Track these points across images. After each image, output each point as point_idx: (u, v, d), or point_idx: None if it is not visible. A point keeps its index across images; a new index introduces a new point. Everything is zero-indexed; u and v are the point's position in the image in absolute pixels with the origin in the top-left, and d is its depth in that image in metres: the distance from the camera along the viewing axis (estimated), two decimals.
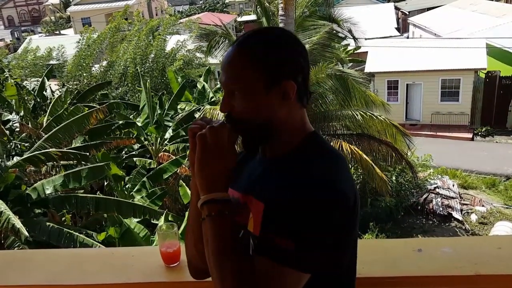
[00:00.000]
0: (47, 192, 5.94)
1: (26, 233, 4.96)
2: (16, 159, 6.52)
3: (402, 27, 29.07)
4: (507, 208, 11.26)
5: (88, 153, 7.12)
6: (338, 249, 0.96)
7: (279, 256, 0.91)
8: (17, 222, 5.02)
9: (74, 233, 5.66)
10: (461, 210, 11.06)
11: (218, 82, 14.74)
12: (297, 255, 0.90)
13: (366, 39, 14.98)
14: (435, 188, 11.69)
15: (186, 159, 8.85)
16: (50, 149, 6.51)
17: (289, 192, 0.94)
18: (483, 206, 11.25)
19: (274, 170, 1.04)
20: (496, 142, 15.57)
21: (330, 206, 0.93)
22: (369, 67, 16.67)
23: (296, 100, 1.02)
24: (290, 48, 1.03)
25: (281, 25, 8.46)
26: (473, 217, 10.78)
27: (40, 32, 41.11)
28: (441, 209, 10.95)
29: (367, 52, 17.73)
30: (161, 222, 6.42)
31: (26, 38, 28.91)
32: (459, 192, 11.94)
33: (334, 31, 9.46)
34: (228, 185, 1.01)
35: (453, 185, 12.08)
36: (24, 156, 6.53)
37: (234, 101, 1.02)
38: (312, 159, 1.01)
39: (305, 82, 1.04)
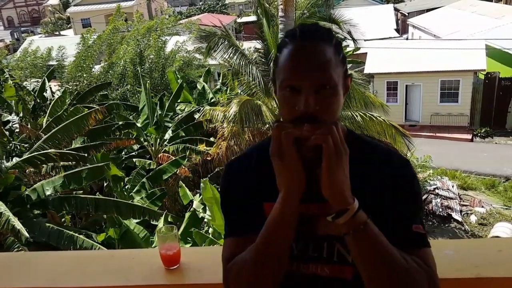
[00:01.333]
0: (47, 193, 5.93)
1: (26, 234, 4.95)
2: (15, 160, 6.51)
3: (402, 28, 29.08)
4: (506, 209, 11.26)
5: (87, 154, 7.12)
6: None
7: (425, 241, 1.01)
8: (17, 223, 5.01)
9: (74, 234, 5.65)
10: (461, 211, 11.06)
11: (218, 83, 14.74)
12: (426, 234, 1.02)
13: (365, 40, 14.98)
14: (434, 189, 11.69)
15: (186, 159, 8.85)
16: (49, 150, 6.50)
17: (394, 180, 1.00)
18: (482, 207, 11.25)
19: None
20: (496, 143, 15.58)
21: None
22: (368, 68, 16.68)
23: None
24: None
25: (281, 26, 8.47)
26: (473, 218, 10.79)
27: (39, 33, 41.08)
28: (440, 210, 10.95)
29: (366, 53, 17.73)
30: (160, 223, 6.42)
31: (25, 39, 28.92)
32: (458, 193, 11.94)
33: (334, 32, 9.46)
34: None
35: (453, 186, 12.08)
36: (24, 157, 6.53)
37: (326, 101, 0.93)
38: (376, 146, 1.06)
39: None
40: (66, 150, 6.93)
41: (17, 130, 8.87)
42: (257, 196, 1.04)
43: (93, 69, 14.55)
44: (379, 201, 0.98)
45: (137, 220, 6.84)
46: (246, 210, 1.06)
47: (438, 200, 11.30)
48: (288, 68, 0.95)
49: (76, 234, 5.68)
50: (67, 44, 16.16)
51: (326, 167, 0.87)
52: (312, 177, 0.91)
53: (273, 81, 1.04)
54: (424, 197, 11.42)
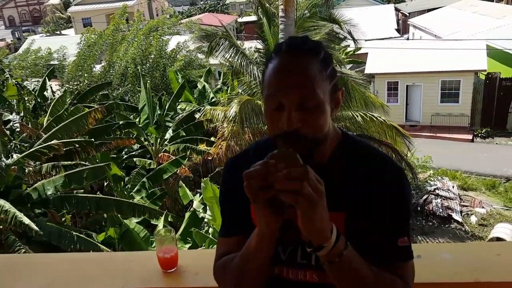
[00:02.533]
0: (48, 192, 5.93)
1: (36, 228, 4.97)
2: (16, 156, 6.52)
3: (402, 28, 29.05)
4: (507, 209, 11.25)
5: (87, 153, 7.12)
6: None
7: (408, 255, 1.02)
8: (24, 218, 5.03)
9: (74, 233, 5.66)
10: (461, 212, 11.04)
11: (219, 83, 14.74)
12: (410, 245, 1.03)
13: (366, 40, 14.96)
14: (435, 189, 11.68)
15: (186, 159, 8.85)
16: (52, 142, 6.50)
17: (384, 189, 0.99)
18: (483, 207, 11.24)
19: (333, 177, 0.97)
20: (496, 143, 15.56)
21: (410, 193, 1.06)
22: (369, 68, 16.67)
23: None
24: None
25: (281, 26, 8.46)
26: (473, 219, 10.77)
27: (40, 32, 41.10)
28: (440, 210, 10.94)
29: (367, 53, 17.72)
30: (160, 223, 6.42)
31: (26, 38, 28.94)
32: (459, 194, 11.93)
33: (334, 33, 9.46)
34: None
35: (453, 187, 12.07)
36: (25, 153, 6.53)
37: (310, 117, 0.92)
38: (371, 152, 1.05)
39: None
40: (69, 141, 6.93)
41: (18, 129, 8.87)
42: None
43: (94, 69, 14.55)
44: (368, 212, 0.98)
45: (137, 220, 6.84)
46: (240, 211, 1.07)
47: (439, 200, 11.28)
48: (271, 84, 0.94)
49: (77, 234, 5.69)
50: (68, 44, 16.19)
51: (301, 216, 0.84)
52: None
53: (262, 93, 1.05)
54: (424, 197, 11.42)
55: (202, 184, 6.42)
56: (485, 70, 15.94)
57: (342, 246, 0.90)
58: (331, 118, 0.99)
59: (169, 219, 7.26)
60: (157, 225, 6.84)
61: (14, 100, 10.38)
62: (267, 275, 1.02)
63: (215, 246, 1.17)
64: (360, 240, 0.97)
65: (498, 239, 9.04)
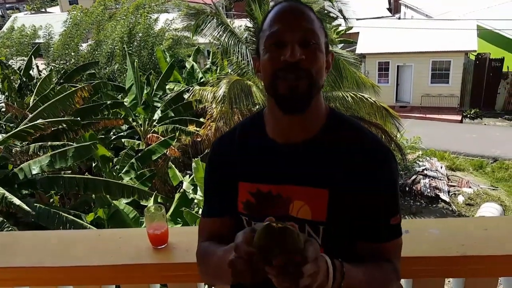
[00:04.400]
0: (34, 172, 5.87)
1: (28, 208, 4.94)
2: (1, 136, 6.42)
3: (394, 7, 28.87)
4: (493, 189, 11.46)
5: (74, 134, 7.04)
6: None
7: (398, 232, 1.03)
8: (15, 199, 4.99)
9: (63, 214, 5.63)
10: (449, 192, 11.22)
11: (208, 62, 14.57)
12: (400, 221, 1.04)
13: (357, 19, 14.85)
14: (423, 170, 11.83)
15: (175, 140, 8.80)
16: (38, 121, 6.41)
17: (376, 171, 0.98)
18: (470, 187, 11.43)
19: (319, 153, 0.98)
20: (485, 124, 15.74)
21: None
22: (360, 48, 16.59)
23: None
24: None
25: (271, 3, 8.33)
26: (460, 199, 10.96)
27: (25, 10, 40.02)
28: (428, 190, 11.10)
29: (358, 33, 17.62)
30: (150, 203, 6.42)
31: (11, 16, 28.18)
32: (447, 174, 12.10)
33: (325, 11, 9.36)
34: None
35: (441, 167, 12.23)
36: (11, 132, 6.43)
37: (311, 54, 0.92)
38: (360, 131, 1.03)
39: None
40: (55, 120, 6.83)
41: (3, 109, 8.72)
42: (234, 174, 1.04)
43: (80, 47, 14.27)
44: (355, 190, 0.97)
45: (127, 201, 6.82)
46: (225, 193, 1.06)
47: (427, 180, 11.44)
48: (274, 24, 0.94)
49: (66, 214, 5.66)
50: (53, 22, 15.79)
51: None
52: None
53: (254, 58, 1.02)
54: (412, 178, 11.56)
55: (193, 164, 6.41)
56: (475, 51, 15.98)
57: (339, 278, 0.83)
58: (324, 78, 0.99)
59: (158, 200, 7.25)
60: (146, 205, 6.84)
61: None
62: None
63: None
64: (346, 217, 0.97)
65: None
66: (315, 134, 0.99)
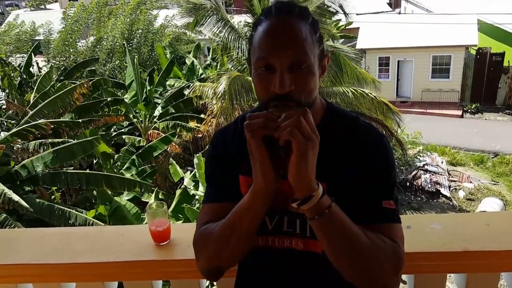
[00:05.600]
0: (38, 169, 5.88)
1: (26, 205, 4.94)
2: (3, 134, 6.42)
3: (394, 2, 28.75)
4: (494, 184, 11.46)
5: (75, 131, 7.04)
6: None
7: (394, 217, 1.01)
8: (14, 195, 4.99)
9: (66, 209, 5.65)
10: (449, 187, 11.23)
11: (208, 58, 14.54)
12: (397, 210, 1.02)
13: (358, 14, 14.80)
14: (424, 165, 11.82)
15: (176, 136, 8.81)
16: (40, 121, 6.42)
17: (368, 159, 0.99)
18: (471, 182, 11.43)
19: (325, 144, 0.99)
20: (485, 119, 15.72)
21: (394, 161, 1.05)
22: (360, 43, 16.55)
23: None
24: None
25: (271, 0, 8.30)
26: (461, 194, 10.97)
27: (24, 7, 39.92)
28: (429, 185, 11.11)
29: (358, 28, 17.56)
30: (151, 201, 6.42)
31: (10, 13, 28.12)
32: (447, 169, 12.10)
33: (325, 6, 9.32)
34: None
35: (442, 162, 12.23)
36: (13, 131, 6.44)
37: (301, 80, 0.91)
38: (356, 122, 1.04)
39: None
40: (57, 120, 6.85)
41: (4, 106, 8.72)
42: (235, 166, 1.06)
43: (79, 44, 14.24)
44: (354, 176, 0.99)
45: (128, 197, 6.83)
46: (225, 179, 1.08)
47: (427, 176, 11.44)
48: (262, 46, 0.92)
49: (69, 209, 5.68)
50: (52, 18, 15.75)
51: (294, 158, 0.85)
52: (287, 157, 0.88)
53: (248, 61, 1.02)
54: (413, 173, 11.56)
55: (195, 160, 6.41)
56: (475, 45, 15.92)
57: (329, 200, 0.91)
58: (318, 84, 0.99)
59: (159, 196, 7.26)
60: (147, 202, 6.85)
61: None
62: (250, 244, 1.01)
63: None
64: (343, 206, 0.96)
65: None
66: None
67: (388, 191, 1.02)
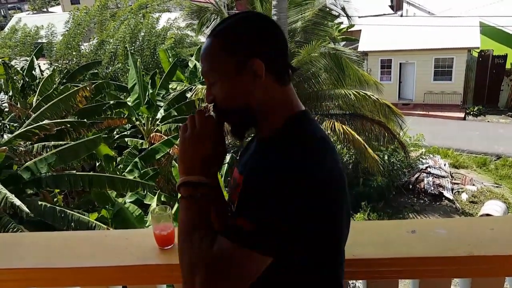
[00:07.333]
0: (42, 171, 5.89)
1: (27, 210, 4.94)
2: (7, 136, 6.44)
3: (396, 5, 28.76)
4: (497, 187, 11.43)
5: (78, 133, 7.06)
6: (302, 236, 0.92)
7: (240, 237, 0.90)
8: (15, 199, 4.99)
9: (68, 211, 5.65)
10: (452, 189, 11.20)
11: None
12: (256, 237, 0.89)
13: (359, 17, 14.82)
14: (426, 167, 11.80)
15: (178, 139, 8.82)
16: (44, 122, 6.43)
17: (255, 174, 0.96)
18: (473, 185, 11.40)
19: (258, 152, 1.08)
20: (488, 121, 15.69)
21: (293, 191, 0.89)
22: (362, 46, 16.56)
23: (272, 79, 1.01)
24: (256, 26, 1.02)
25: (274, 2, 8.32)
26: (464, 196, 10.93)
27: (27, 10, 40.11)
28: (432, 188, 11.08)
29: (360, 30, 17.57)
30: (153, 203, 6.42)
31: (13, 16, 28.25)
32: (450, 172, 12.07)
33: (327, 9, 9.34)
34: (206, 170, 1.03)
35: (445, 165, 12.20)
36: (16, 133, 6.45)
37: (215, 91, 1.03)
38: (286, 143, 0.97)
39: (281, 59, 1.03)
40: (61, 121, 6.86)
41: (7, 109, 8.75)
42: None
43: (81, 47, 14.29)
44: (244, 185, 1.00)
45: (131, 200, 6.83)
46: None
47: (430, 178, 11.42)
48: None
49: (72, 212, 5.68)
50: (55, 22, 15.81)
51: (179, 144, 1.06)
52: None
53: None
54: (416, 175, 11.54)
55: None
56: (478, 48, 15.91)
57: (187, 193, 1.00)
58: (256, 89, 1.00)
59: (162, 199, 7.26)
60: (150, 204, 6.85)
61: (2, 80, 10.19)
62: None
63: None
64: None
65: (488, 215, 9.21)
66: (270, 136, 1.04)
67: (250, 210, 0.91)
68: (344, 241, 1.07)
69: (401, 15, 25.14)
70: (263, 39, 1.01)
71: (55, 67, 12.38)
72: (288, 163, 0.92)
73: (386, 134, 9.14)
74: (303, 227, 0.91)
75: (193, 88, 10.10)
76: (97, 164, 8.50)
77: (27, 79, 10.69)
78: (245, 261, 0.90)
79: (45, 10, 36.45)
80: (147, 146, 9.10)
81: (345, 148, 9.98)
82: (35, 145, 6.50)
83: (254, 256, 0.89)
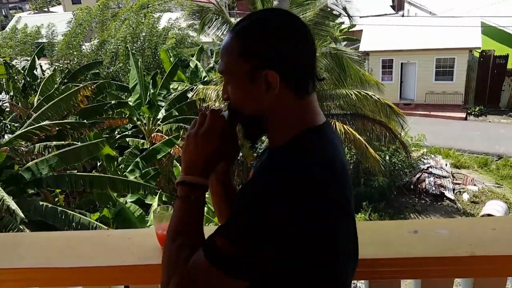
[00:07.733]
0: (43, 172, 5.89)
1: (22, 215, 4.93)
2: (8, 136, 6.45)
3: (397, 5, 28.76)
4: (498, 187, 11.41)
5: (79, 133, 7.06)
6: (285, 262, 0.87)
7: (217, 258, 0.86)
8: (12, 203, 4.99)
9: (69, 212, 5.65)
10: (453, 190, 11.18)
11: (211, 61, 14.60)
12: (233, 261, 0.86)
13: (361, 17, 14.82)
14: (428, 167, 11.79)
15: (180, 139, 8.83)
16: (44, 123, 6.43)
17: (240, 191, 0.92)
18: (475, 185, 11.39)
19: (261, 163, 1.05)
20: (489, 121, 15.67)
21: (276, 213, 0.83)
22: (364, 46, 16.55)
23: (288, 91, 0.95)
24: (277, 33, 0.95)
25: (275, 2, 8.32)
26: (465, 196, 10.92)
27: (28, 10, 40.15)
28: (433, 188, 11.07)
29: (361, 30, 17.56)
30: (155, 202, 6.42)
31: (14, 16, 28.29)
32: (451, 172, 12.05)
33: (329, 9, 9.33)
34: (209, 172, 1.03)
35: (446, 165, 12.19)
36: (17, 133, 6.46)
37: (230, 90, 1.01)
38: (281, 160, 0.93)
39: (302, 70, 0.96)
40: (61, 122, 6.87)
41: (8, 109, 8.76)
42: None
43: (83, 47, 14.30)
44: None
45: (132, 199, 6.83)
46: None
47: (431, 178, 11.40)
48: None
49: (73, 213, 5.68)
50: (56, 21, 15.84)
51: (185, 141, 1.05)
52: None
53: None
54: (417, 175, 11.53)
55: None
56: (479, 48, 15.89)
57: (182, 193, 1.00)
58: (268, 100, 0.95)
59: (163, 199, 7.27)
60: (151, 204, 6.85)
61: (3, 80, 10.21)
62: None
63: (211, 224, 1.18)
64: None
65: (489, 216, 9.19)
66: (277, 147, 0.99)
67: (231, 231, 0.87)
68: (347, 274, 1.05)
69: (403, 15, 25.09)
70: (282, 49, 0.94)
71: (56, 67, 12.40)
72: (275, 182, 0.86)
73: (388, 134, 9.13)
74: (291, 252, 0.86)
75: (194, 88, 10.10)
76: (99, 164, 8.51)
77: (28, 79, 10.71)
78: (216, 282, 0.87)
79: (46, 10, 36.49)
80: (148, 146, 9.11)
81: (346, 148, 9.97)
82: (37, 145, 6.51)
83: (227, 280, 0.86)
